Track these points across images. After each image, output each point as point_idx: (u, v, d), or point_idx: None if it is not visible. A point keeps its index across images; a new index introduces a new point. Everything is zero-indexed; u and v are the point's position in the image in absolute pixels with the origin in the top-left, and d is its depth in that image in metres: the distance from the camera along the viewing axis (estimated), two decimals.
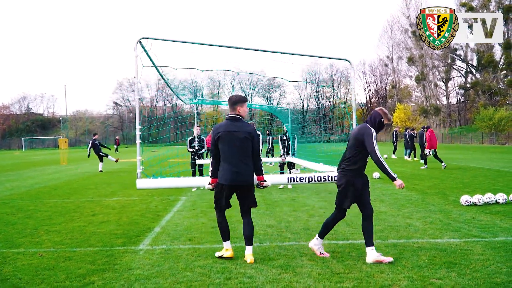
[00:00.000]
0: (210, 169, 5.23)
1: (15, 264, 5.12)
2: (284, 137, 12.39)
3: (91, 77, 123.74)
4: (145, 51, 6.53)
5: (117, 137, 51.67)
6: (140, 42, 6.27)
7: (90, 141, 19.43)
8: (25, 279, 4.59)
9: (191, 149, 11.83)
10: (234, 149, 4.98)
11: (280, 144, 12.34)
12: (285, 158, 12.02)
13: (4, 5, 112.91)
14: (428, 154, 17.04)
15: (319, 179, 5.92)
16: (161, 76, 9.33)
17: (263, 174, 5.27)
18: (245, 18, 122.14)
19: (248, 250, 5.05)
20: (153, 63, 7.16)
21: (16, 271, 4.85)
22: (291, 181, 6.01)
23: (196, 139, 11.90)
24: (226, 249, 5.13)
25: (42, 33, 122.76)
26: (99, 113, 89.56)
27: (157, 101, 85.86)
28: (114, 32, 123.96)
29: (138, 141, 6.56)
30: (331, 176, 5.84)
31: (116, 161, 19.60)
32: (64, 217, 8.02)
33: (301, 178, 5.88)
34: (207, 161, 12.82)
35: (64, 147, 30.50)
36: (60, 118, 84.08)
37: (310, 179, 5.90)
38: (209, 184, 5.26)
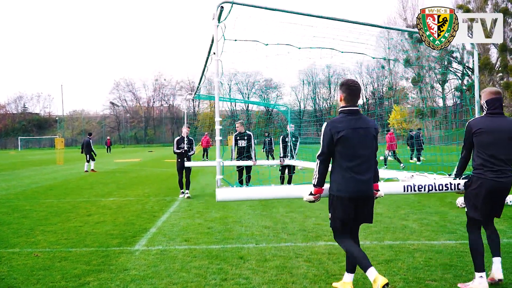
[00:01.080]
0: (316, 175, 4.00)
1: (10, 264, 5.10)
2: (286, 139, 11.61)
3: (88, 77, 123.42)
4: (218, 20, 4.91)
5: (108, 137, 51.17)
6: (222, 7, 4.84)
7: (89, 141, 19.26)
8: (20, 279, 4.57)
9: (178, 150, 10.89)
10: (362, 151, 3.89)
11: (281, 145, 11.58)
12: (283, 160, 11.54)
13: (1, 4, 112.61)
14: (387, 155, 17.52)
15: (440, 188, 4.78)
16: (206, 61, 7.15)
17: (379, 181, 4.24)
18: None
19: (371, 274, 3.86)
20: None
21: (11, 271, 4.83)
22: (407, 190, 4.90)
23: (184, 140, 10.92)
24: (345, 282, 4.13)
25: (38, 32, 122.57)
26: (95, 113, 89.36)
27: (153, 101, 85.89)
28: (111, 31, 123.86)
29: (218, 138, 4.89)
30: (455, 184, 4.83)
31: (92, 171, 18.76)
32: (60, 217, 7.99)
33: (420, 187, 4.82)
34: (196, 163, 12.09)
35: (60, 147, 30.51)
36: (57, 118, 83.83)
37: (430, 188, 4.80)
38: (311, 194, 4.04)
